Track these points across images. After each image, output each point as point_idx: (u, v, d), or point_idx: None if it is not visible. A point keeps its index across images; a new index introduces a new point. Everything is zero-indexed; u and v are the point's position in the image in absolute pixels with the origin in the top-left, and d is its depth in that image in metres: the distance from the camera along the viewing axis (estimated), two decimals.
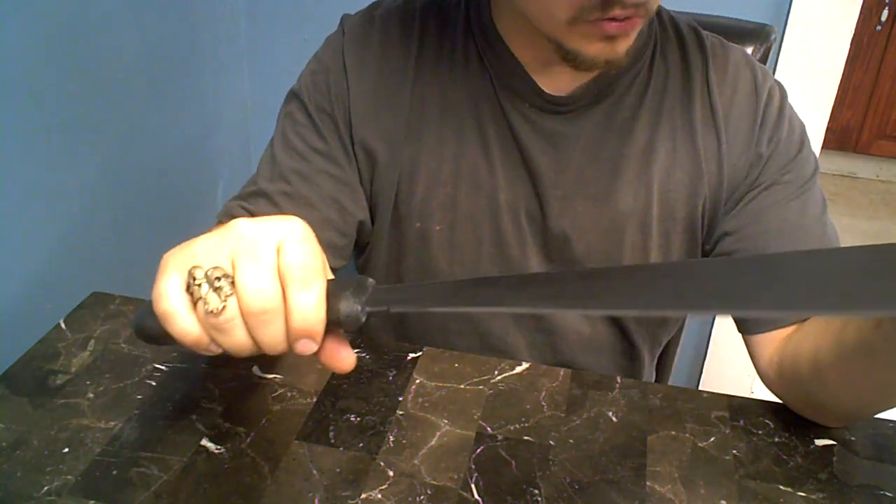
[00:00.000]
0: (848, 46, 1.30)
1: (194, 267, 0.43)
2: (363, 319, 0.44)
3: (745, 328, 0.75)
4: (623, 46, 0.64)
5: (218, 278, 0.42)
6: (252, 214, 0.73)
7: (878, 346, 0.56)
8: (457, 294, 0.44)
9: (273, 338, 0.43)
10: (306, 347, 0.43)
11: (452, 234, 0.75)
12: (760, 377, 0.75)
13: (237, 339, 0.43)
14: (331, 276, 0.46)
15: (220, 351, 0.44)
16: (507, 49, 0.72)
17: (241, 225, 0.44)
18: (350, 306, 0.44)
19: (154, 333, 0.47)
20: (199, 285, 0.42)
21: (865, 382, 0.61)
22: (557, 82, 0.72)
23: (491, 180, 0.74)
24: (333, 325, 0.44)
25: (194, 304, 0.43)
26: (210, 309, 0.42)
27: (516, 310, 0.45)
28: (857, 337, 0.58)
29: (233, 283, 0.42)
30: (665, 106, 0.73)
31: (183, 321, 0.43)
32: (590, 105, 0.73)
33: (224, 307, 0.42)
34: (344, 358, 0.45)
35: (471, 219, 0.75)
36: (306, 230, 0.45)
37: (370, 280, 0.46)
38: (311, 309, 0.42)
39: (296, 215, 0.71)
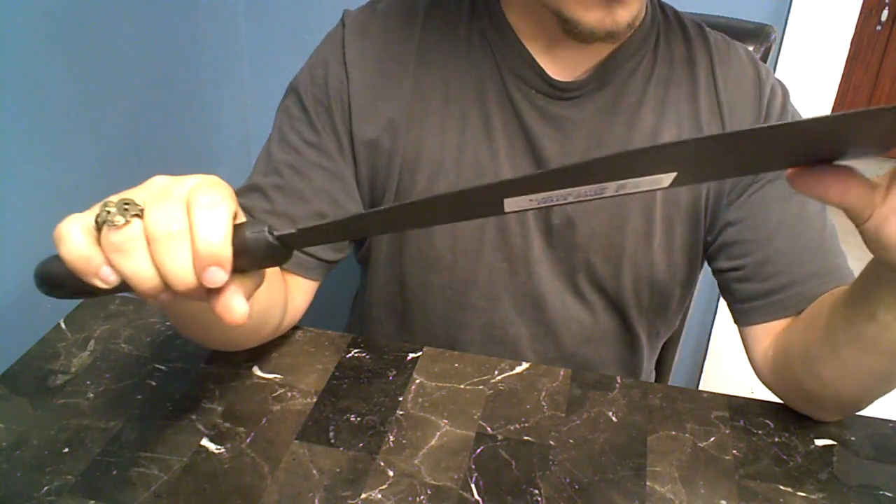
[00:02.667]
0: (848, 46, 1.30)
1: (107, 201, 0.42)
2: (270, 240, 0.43)
3: (741, 318, 0.75)
4: (624, 16, 0.64)
5: (127, 205, 0.42)
6: (245, 209, 0.74)
7: (877, 337, 0.57)
8: (369, 216, 0.44)
9: (179, 265, 0.41)
10: (215, 276, 0.41)
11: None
12: (755, 371, 0.75)
13: (139, 264, 0.42)
14: (244, 220, 0.45)
15: (114, 279, 0.43)
16: (514, 34, 0.72)
17: (157, 177, 0.45)
18: (255, 227, 0.43)
19: (49, 268, 0.46)
20: (108, 210, 0.42)
21: (867, 373, 0.61)
22: (563, 67, 0.72)
23: (494, 167, 0.74)
24: (241, 252, 0.43)
25: (99, 229, 0.42)
26: (113, 222, 0.41)
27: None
28: (850, 332, 0.59)
29: (141, 212, 0.42)
30: (670, 94, 0.74)
31: (74, 238, 0.42)
32: (595, 90, 0.73)
33: (127, 223, 0.41)
34: (236, 307, 0.43)
35: None
36: (221, 181, 0.45)
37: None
38: (215, 229, 0.41)
39: (288, 209, 0.72)
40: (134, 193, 0.44)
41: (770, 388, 0.74)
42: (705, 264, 0.82)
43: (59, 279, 0.46)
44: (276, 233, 0.43)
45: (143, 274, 0.42)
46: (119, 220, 0.41)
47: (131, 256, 0.42)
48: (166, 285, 0.42)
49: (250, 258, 0.43)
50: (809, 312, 0.69)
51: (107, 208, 0.42)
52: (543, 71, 0.72)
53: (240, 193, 0.75)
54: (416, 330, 0.83)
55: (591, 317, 0.80)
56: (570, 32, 0.66)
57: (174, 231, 0.41)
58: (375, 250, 0.80)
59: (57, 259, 0.44)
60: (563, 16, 0.65)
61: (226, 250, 0.41)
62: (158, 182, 0.44)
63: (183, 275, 0.41)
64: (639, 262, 0.76)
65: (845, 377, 0.62)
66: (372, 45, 0.75)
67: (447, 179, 0.74)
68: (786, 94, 0.76)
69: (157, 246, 0.41)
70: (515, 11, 0.72)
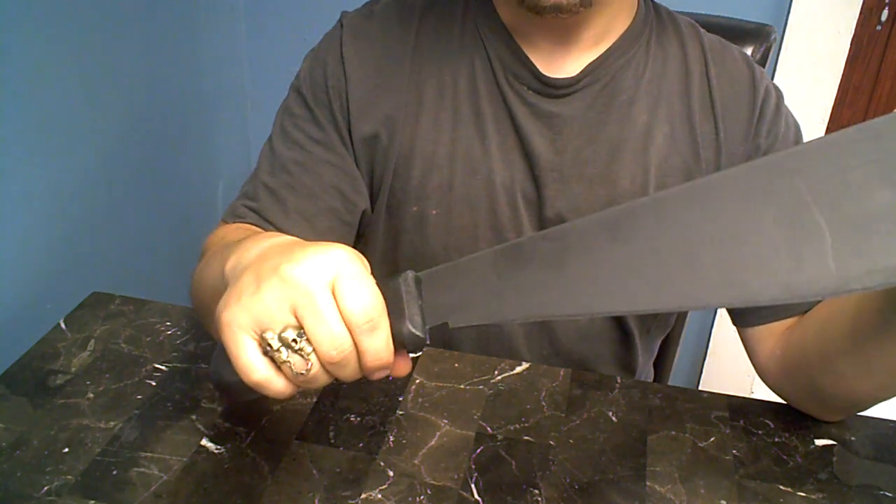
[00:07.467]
0: (848, 46, 1.30)
1: (264, 331, 0.45)
2: (427, 341, 0.48)
3: (744, 320, 0.75)
4: None
5: (294, 340, 0.44)
6: (257, 211, 0.74)
7: None
8: (506, 296, 0.46)
9: (351, 375, 0.47)
10: (382, 375, 0.48)
11: (448, 217, 0.76)
12: (759, 372, 0.75)
13: (322, 383, 0.47)
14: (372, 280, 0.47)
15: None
16: (507, 33, 0.73)
17: (286, 271, 0.45)
18: (413, 335, 0.47)
19: (243, 393, 0.51)
20: (279, 350, 0.44)
21: (886, 367, 0.60)
22: (555, 65, 0.73)
23: (487, 163, 0.74)
24: (398, 347, 0.47)
25: (279, 366, 0.46)
26: (298, 372, 0.45)
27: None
28: (877, 320, 0.58)
29: (306, 338, 0.44)
30: (663, 92, 0.74)
31: (277, 386, 0.46)
32: (587, 87, 0.73)
33: (311, 366, 0.45)
34: (406, 366, 0.50)
35: (467, 202, 0.75)
36: (352, 258, 0.47)
37: (410, 274, 0.49)
38: (381, 350, 0.46)
39: (300, 207, 0.72)
40: (278, 305, 0.45)
41: (775, 389, 0.73)
42: None
43: (239, 393, 0.51)
44: (429, 326, 0.48)
45: (323, 385, 0.47)
46: (301, 366, 0.45)
47: (316, 382, 0.47)
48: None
49: (407, 350, 0.49)
50: (829, 307, 0.68)
51: (274, 348, 0.44)
52: (535, 68, 0.72)
53: (249, 195, 0.75)
54: None
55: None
56: (526, 7, 0.66)
57: (346, 355, 0.45)
58: (371, 247, 0.80)
59: (234, 374, 0.46)
60: None
61: (390, 359, 0.47)
62: (295, 282, 0.45)
63: (353, 378, 0.47)
64: None
65: (864, 372, 0.62)
66: (369, 46, 0.75)
67: (440, 174, 0.75)
68: (780, 96, 0.76)
69: (331, 367, 0.46)
70: (504, 8, 0.73)
